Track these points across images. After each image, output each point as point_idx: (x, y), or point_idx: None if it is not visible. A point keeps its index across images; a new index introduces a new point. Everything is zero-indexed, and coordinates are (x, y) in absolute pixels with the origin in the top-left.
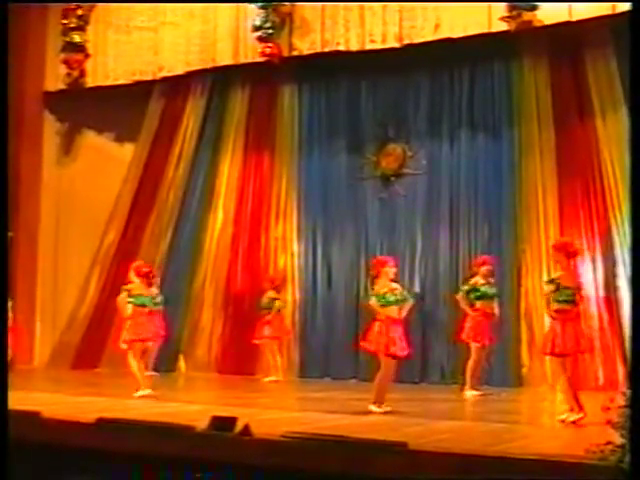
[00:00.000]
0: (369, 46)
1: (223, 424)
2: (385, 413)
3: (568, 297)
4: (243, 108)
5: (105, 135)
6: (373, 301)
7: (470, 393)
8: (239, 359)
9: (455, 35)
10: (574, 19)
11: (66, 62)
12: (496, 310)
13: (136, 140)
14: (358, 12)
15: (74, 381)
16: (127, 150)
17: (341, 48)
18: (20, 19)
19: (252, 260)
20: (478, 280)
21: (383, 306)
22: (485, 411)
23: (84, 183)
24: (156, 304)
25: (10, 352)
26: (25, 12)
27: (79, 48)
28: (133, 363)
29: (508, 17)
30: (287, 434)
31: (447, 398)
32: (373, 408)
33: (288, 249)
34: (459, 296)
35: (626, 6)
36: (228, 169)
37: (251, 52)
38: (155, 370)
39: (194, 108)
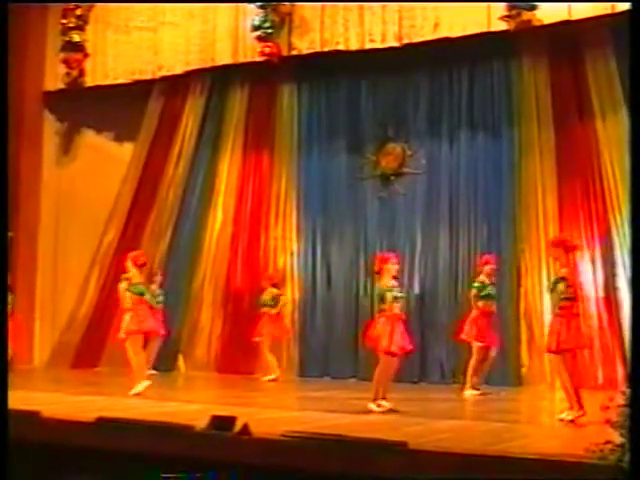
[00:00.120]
0: (368, 45)
1: (222, 423)
2: (385, 412)
3: (571, 294)
4: (242, 107)
5: (105, 134)
6: (388, 296)
7: (470, 392)
8: (238, 358)
9: (454, 34)
10: (573, 19)
11: (65, 62)
12: (494, 309)
13: (136, 139)
14: (357, 12)
15: (74, 380)
16: (127, 149)
17: (340, 47)
18: (20, 19)
19: (251, 259)
20: (485, 279)
21: (390, 302)
22: (485, 410)
23: (84, 182)
24: (158, 302)
25: (10, 350)
26: (25, 12)
27: (78, 48)
28: (132, 355)
29: (507, 16)
30: (286, 433)
31: (447, 397)
32: (373, 407)
33: (288, 248)
34: (473, 293)
35: (625, 6)
36: (227, 168)
37: (250, 52)
38: (155, 369)
39: (193, 107)
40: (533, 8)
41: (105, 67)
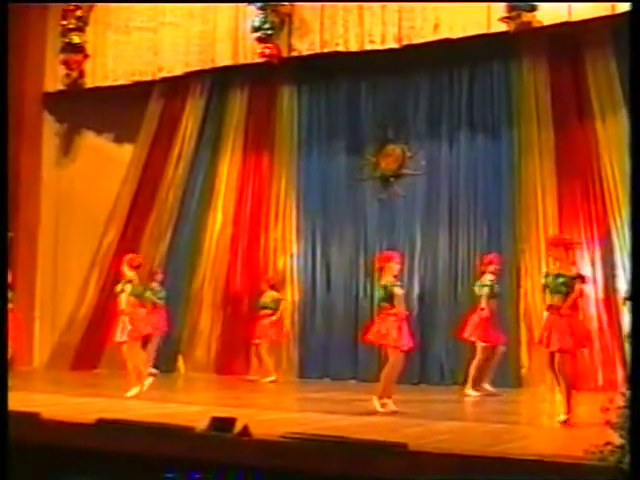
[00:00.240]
0: (368, 46)
1: (222, 425)
2: (388, 413)
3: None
4: (242, 109)
5: (104, 135)
6: (396, 290)
7: (470, 392)
8: (238, 360)
9: (454, 35)
10: (573, 20)
11: (65, 63)
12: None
13: (135, 140)
14: (357, 12)
15: (74, 382)
16: (126, 151)
17: (340, 49)
18: (20, 19)
19: (251, 261)
20: (492, 279)
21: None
22: (485, 412)
23: (83, 183)
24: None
25: (10, 351)
26: (25, 12)
27: (78, 49)
28: (130, 358)
29: (507, 17)
30: (286, 435)
31: (446, 399)
32: (377, 405)
33: (287, 250)
34: (484, 292)
35: (626, 6)
36: (227, 170)
37: (250, 53)
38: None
39: (193, 109)
40: (533, 9)
41: (105, 68)
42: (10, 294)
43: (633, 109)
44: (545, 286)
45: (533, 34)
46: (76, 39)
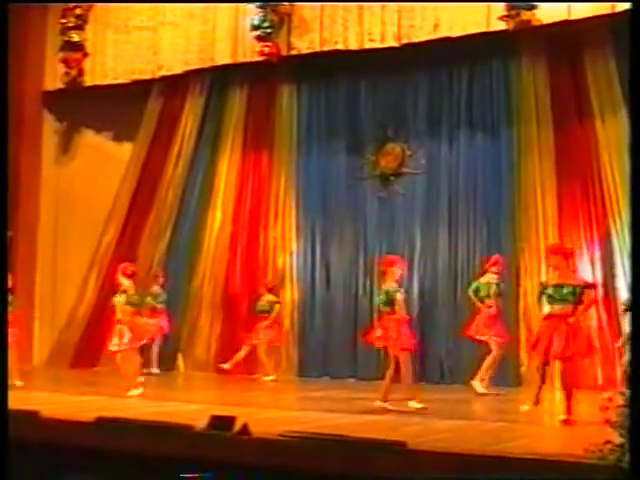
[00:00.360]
0: (368, 45)
1: (222, 423)
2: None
3: (576, 299)
4: (242, 107)
5: (104, 134)
6: (398, 296)
7: (480, 389)
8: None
9: (454, 34)
10: (573, 19)
11: (65, 61)
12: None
13: (135, 139)
14: (357, 11)
15: (73, 380)
16: (126, 149)
17: (340, 47)
18: (20, 19)
19: (251, 259)
20: (499, 278)
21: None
22: (484, 410)
23: (83, 182)
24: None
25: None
26: (25, 12)
27: (78, 47)
28: (128, 365)
29: (507, 16)
30: (286, 433)
31: (446, 398)
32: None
33: (287, 248)
34: (493, 291)
35: (625, 5)
36: (227, 168)
37: (250, 51)
38: (158, 368)
39: (193, 107)
40: (532, 8)
41: (104, 67)
42: (10, 297)
43: (633, 109)
44: (548, 296)
45: (532, 33)
46: (76, 37)
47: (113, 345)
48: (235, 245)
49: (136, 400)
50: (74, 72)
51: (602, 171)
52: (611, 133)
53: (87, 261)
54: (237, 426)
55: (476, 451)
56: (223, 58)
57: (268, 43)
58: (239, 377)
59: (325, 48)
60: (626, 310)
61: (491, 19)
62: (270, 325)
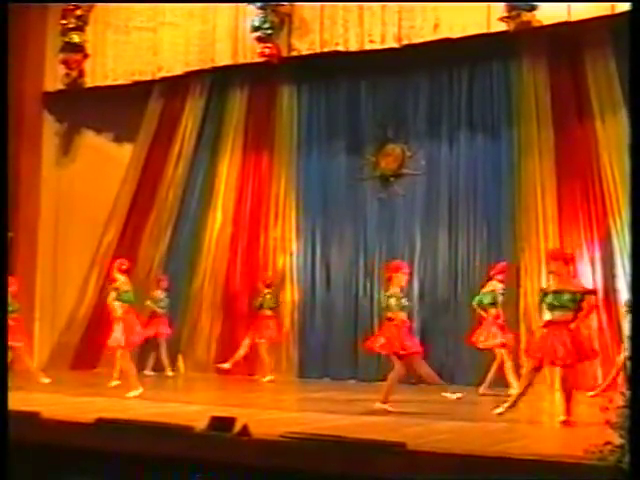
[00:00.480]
0: (368, 46)
1: (222, 424)
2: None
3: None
4: (242, 108)
5: (104, 135)
6: (392, 302)
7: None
8: (238, 359)
9: (454, 35)
10: (573, 19)
11: (65, 62)
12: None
13: (135, 140)
14: (357, 12)
15: (73, 381)
16: (126, 150)
17: (340, 48)
18: (20, 19)
19: (251, 260)
20: (501, 286)
21: (398, 310)
22: (484, 412)
23: (83, 183)
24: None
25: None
26: (25, 12)
27: (78, 48)
28: (127, 363)
29: (507, 17)
30: (286, 434)
31: (446, 399)
32: (381, 405)
33: (287, 249)
34: (500, 300)
35: (625, 6)
36: (227, 169)
37: (250, 52)
38: (154, 370)
39: (193, 108)
40: (533, 9)
41: (105, 68)
42: (17, 305)
43: (633, 109)
44: (548, 303)
45: (533, 34)
46: (76, 38)
47: (112, 341)
48: (235, 246)
49: (136, 401)
50: (75, 73)
51: (602, 171)
52: (611, 133)
53: (87, 262)
54: (237, 427)
55: (476, 452)
56: (223, 59)
57: (268, 44)
58: (239, 378)
59: (325, 49)
60: (628, 311)
61: (491, 20)
62: (270, 321)
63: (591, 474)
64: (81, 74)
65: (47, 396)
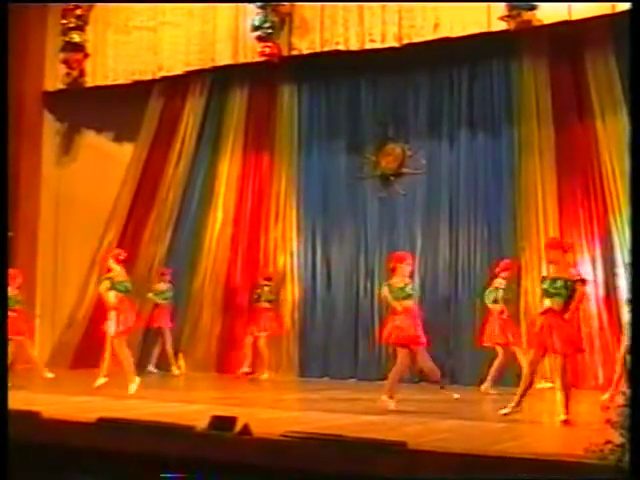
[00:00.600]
0: (368, 45)
1: (223, 424)
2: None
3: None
4: (242, 108)
5: (104, 135)
6: (385, 291)
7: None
8: (238, 358)
9: (454, 34)
10: (573, 18)
11: (65, 62)
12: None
13: (135, 140)
14: (357, 12)
15: (74, 381)
16: (126, 150)
17: (340, 48)
18: (20, 19)
19: (251, 259)
20: (504, 283)
21: (404, 299)
22: (484, 411)
23: (83, 183)
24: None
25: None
26: (25, 12)
27: (78, 48)
28: (123, 351)
29: (507, 16)
30: (287, 433)
31: (446, 398)
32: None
33: (287, 248)
34: (500, 295)
35: (626, 5)
36: (227, 169)
37: (250, 52)
38: (157, 368)
39: (193, 108)
40: (533, 8)
41: (105, 67)
42: (20, 297)
43: (633, 107)
44: (545, 290)
45: (533, 33)
46: (76, 38)
47: (109, 332)
48: (236, 245)
49: (137, 400)
50: (75, 73)
51: (603, 169)
52: (611, 132)
53: (88, 262)
54: (238, 426)
55: (477, 451)
56: (224, 58)
57: (269, 43)
58: (240, 377)
59: (326, 48)
60: (628, 309)
61: (492, 19)
62: (269, 313)
63: (591, 473)
64: (81, 74)
65: (48, 395)
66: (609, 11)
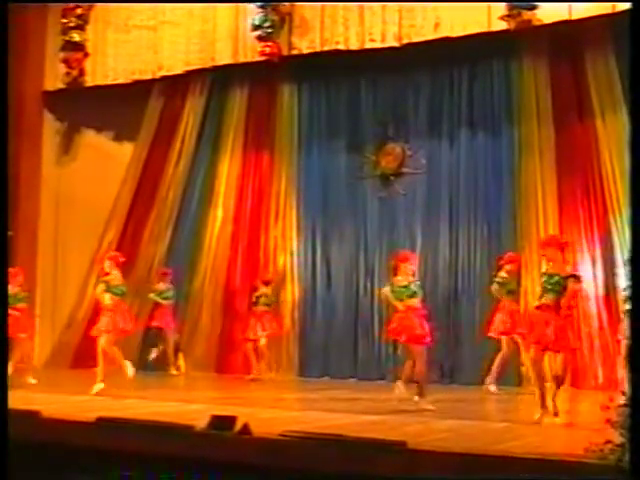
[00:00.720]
0: (368, 45)
1: (222, 423)
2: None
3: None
4: (242, 107)
5: (104, 134)
6: (386, 290)
7: (492, 387)
8: (238, 358)
9: (455, 34)
10: (574, 18)
11: (65, 61)
12: None
13: (135, 139)
14: (357, 11)
15: (73, 380)
16: (126, 149)
17: (340, 47)
18: (20, 19)
19: (251, 259)
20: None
21: (408, 297)
22: (484, 410)
23: (83, 182)
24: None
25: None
26: (25, 12)
27: (78, 47)
28: (112, 349)
29: (508, 16)
30: (286, 433)
31: (446, 397)
32: (417, 399)
33: (287, 248)
34: (500, 288)
35: (626, 5)
36: (227, 168)
37: (250, 51)
38: (156, 369)
39: (193, 107)
40: (533, 8)
41: (105, 67)
42: (22, 294)
43: (633, 107)
44: (542, 286)
45: (533, 33)
46: (76, 37)
47: (95, 331)
48: (236, 245)
49: (136, 400)
50: (75, 72)
51: (603, 169)
52: (611, 131)
53: (88, 261)
54: (238, 426)
55: (477, 451)
56: (224, 58)
57: (269, 43)
58: (239, 376)
59: (326, 48)
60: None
61: (492, 19)
62: (269, 317)
63: (591, 473)
64: (81, 73)
65: (47, 395)
66: (609, 11)
